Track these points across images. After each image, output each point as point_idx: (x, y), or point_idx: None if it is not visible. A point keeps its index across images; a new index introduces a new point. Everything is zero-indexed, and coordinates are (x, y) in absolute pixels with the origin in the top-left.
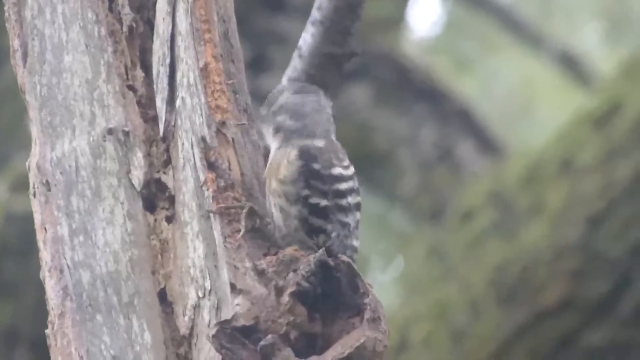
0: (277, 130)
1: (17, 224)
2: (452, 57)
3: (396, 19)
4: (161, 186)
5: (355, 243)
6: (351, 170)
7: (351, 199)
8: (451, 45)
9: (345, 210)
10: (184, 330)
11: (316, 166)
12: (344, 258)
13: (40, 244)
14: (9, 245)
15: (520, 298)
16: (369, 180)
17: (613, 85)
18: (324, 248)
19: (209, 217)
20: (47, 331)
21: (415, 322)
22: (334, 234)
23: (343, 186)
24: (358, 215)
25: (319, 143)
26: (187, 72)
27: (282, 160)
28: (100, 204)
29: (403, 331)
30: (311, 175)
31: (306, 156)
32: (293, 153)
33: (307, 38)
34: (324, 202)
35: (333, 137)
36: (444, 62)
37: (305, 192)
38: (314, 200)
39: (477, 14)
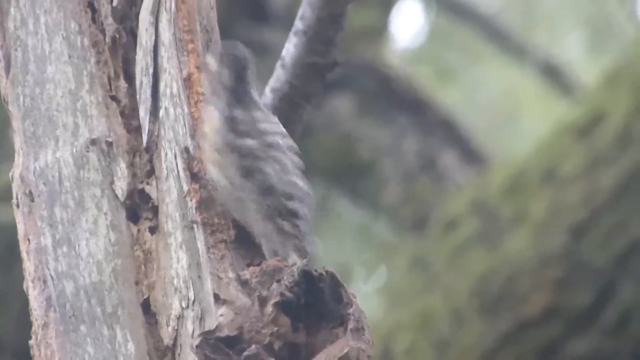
0: None
1: (1, 235)
2: (435, 67)
3: (379, 29)
4: (145, 197)
5: (301, 182)
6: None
7: (281, 140)
8: (434, 55)
9: (276, 147)
10: (167, 340)
11: (236, 112)
12: (328, 268)
13: (24, 255)
14: None
15: (504, 307)
16: (352, 191)
17: (596, 95)
18: (307, 259)
19: (192, 227)
20: (31, 342)
21: (398, 332)
22: (269, 170)
23: (266, 126)
24: (296, 158)
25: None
26: (170, 83)
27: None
28: (84, 215)
29: (387, 341)
30: (232, 120)
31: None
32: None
33: (290, 48)
34: (250, 142)
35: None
36: (427, 72)
37: (230, 136)
38: (239, 142)
39: (460, 24)
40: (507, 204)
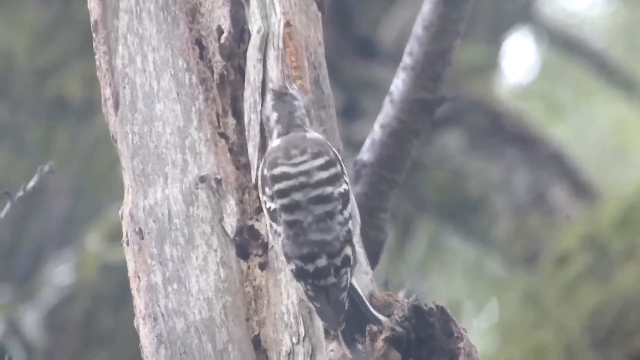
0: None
1: (112, 274)
2: (545, 102)
3: (489, 65)
4: (254, 233)
5: (319, 235)
6: (307, 165)
7: (299, 196)
8: (544, 90)
9: (291, 208)
10: None
11: (265, 171)
12: (438, 303)
13: (134, 292)
14: (104, 295)
15: (616, 342)
16: (463, 226)
17: None
18: (414, 296)
19: None
20: None
21: None
22: (282, 236)
23: (284, 185)
24: (319, 208)
25: (276, 142)
26: None
27: None
28: (194, 252)
29: None
30: (262, 180)
31: (262, 162)
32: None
33: (398, 84)
34: (273, 206)
35: (302, 130)
36: (537, 107)
37: (262, 198)
38: (267, 205)
39: (570, 59)
40: (618, 238)
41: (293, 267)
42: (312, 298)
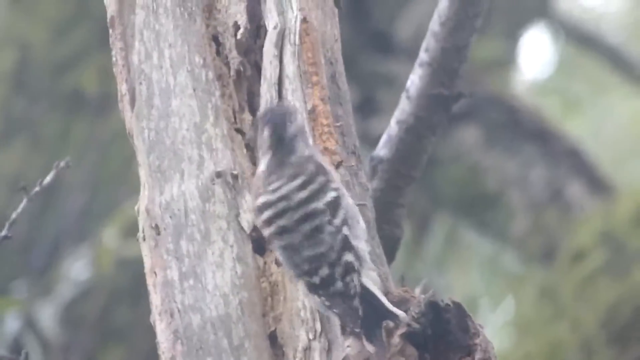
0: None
1: (128, 269)
2: (562, 98)
3: (506, 60)
4: None
5: (312, 251)
6: (285, 189)
7: (283, 221)
8: (562, 86)
9: (280, 233)
10: None
11: (255, 202)
12: (455, 299)
13: (151, 288)
14: (120, 290)
15: (632, 338)
16: (480, 221)
17: None
18: (431, 292)
19: None
20: None
21: None
22: (282, 258)
23: (267, 214)
24: (306, 226)
25: (260, 168)
26: None
27: None
28: (210, 248)
29: None
30: (254, 210)
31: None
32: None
33: (414, 80)
34: (266, 232)
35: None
36: (554, 103)
37: (259, 226)
38: (264, 232)
39: (587, 54)
40: (635, 234)
41: (303, 283)
42: (330, 307)
